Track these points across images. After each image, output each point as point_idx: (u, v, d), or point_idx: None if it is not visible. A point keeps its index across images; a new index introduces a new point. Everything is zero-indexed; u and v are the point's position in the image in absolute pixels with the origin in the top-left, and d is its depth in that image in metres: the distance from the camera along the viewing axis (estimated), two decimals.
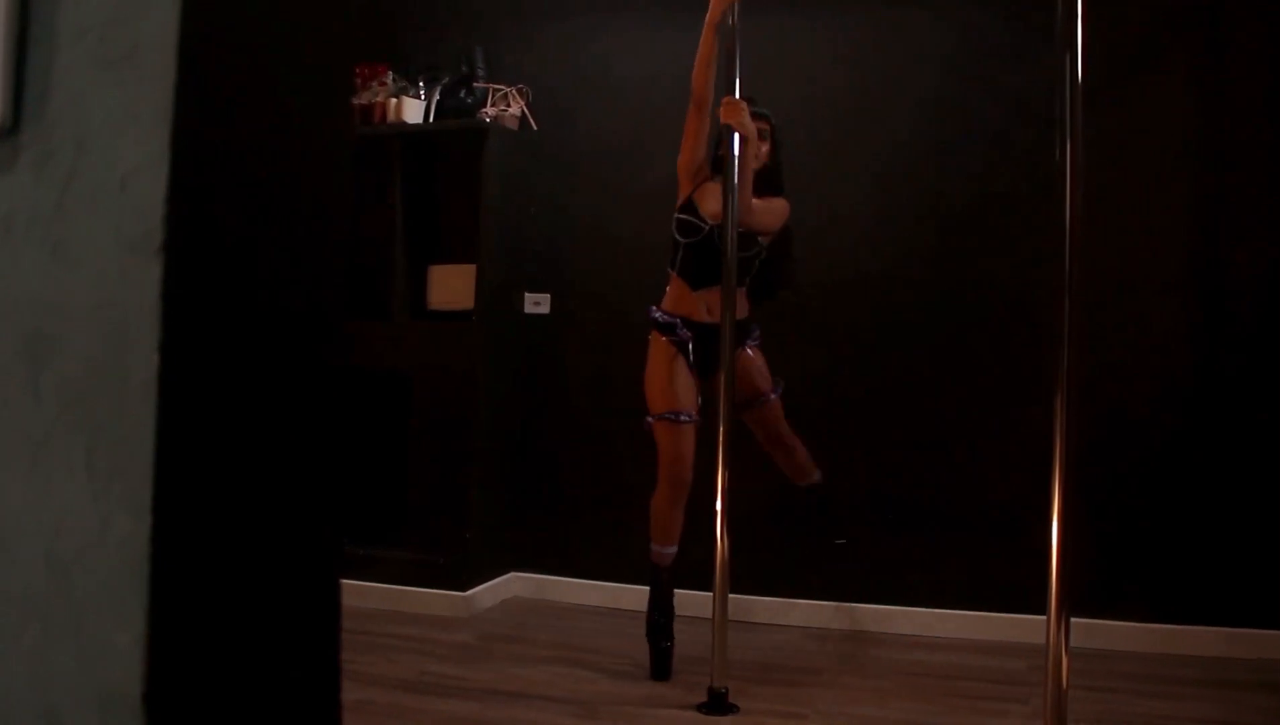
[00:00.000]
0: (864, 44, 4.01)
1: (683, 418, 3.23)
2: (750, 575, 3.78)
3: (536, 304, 4.38)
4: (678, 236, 3.26)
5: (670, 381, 3.26)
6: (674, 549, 3.31)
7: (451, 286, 4.25)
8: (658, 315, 3.33)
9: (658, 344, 3.31)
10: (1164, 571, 3.59)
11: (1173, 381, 3.63)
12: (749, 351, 3.35)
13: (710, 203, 3.19)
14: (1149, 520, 3.61)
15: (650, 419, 3.29)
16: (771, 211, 3.31)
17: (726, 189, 2.97)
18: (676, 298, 3.32)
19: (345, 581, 0.94)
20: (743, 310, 3.24)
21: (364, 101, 4.30)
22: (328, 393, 0.90)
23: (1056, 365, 2.24)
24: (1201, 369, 3.61)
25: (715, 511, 2.92)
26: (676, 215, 3.27)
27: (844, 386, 3.94)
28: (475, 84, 4.31)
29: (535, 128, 4.33)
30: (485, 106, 4.24)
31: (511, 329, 4.31)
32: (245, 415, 0.80)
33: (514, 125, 4.27)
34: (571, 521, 4.29)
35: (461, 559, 4.02)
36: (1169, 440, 3.62)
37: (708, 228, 3.18)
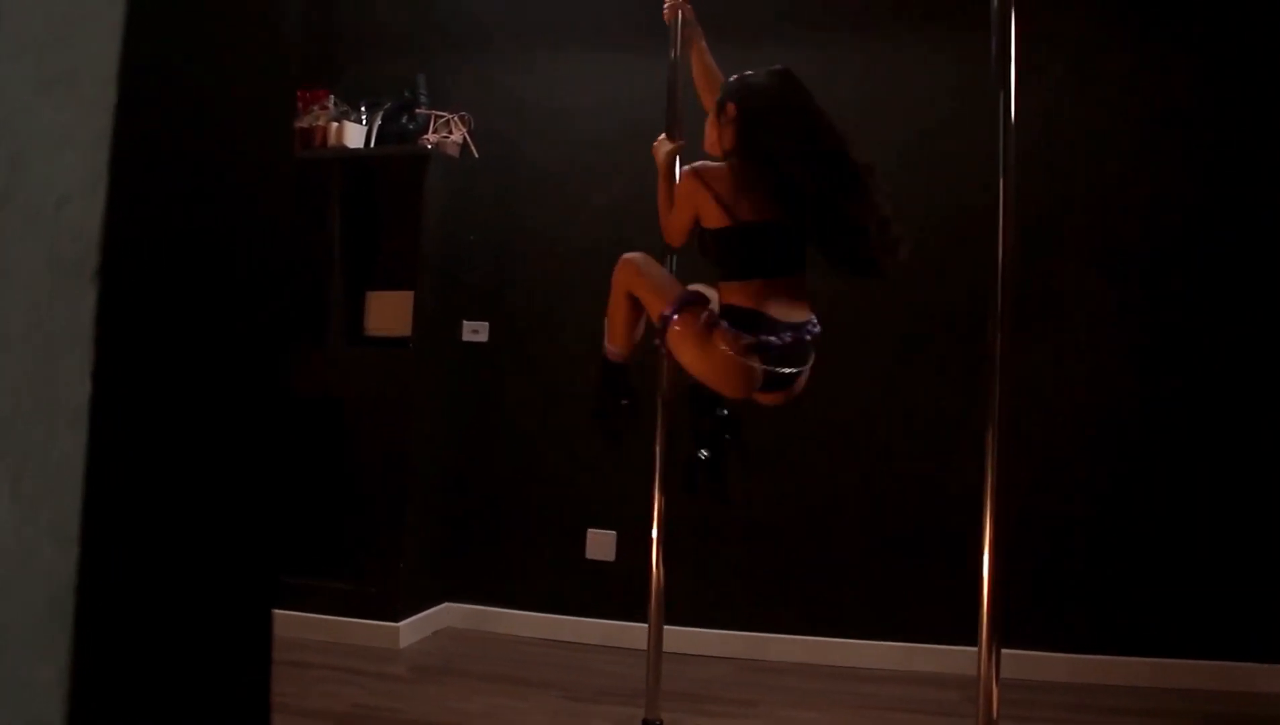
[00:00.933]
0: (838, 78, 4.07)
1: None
2: (686, 606, 3.79)
3: (475, 332, 4.36)
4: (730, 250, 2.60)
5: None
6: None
7: (389, 313, 4.22)
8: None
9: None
10: (1095, 603, 3.66)
11: (1105, 415, 3.71)
12: None
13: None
14: (1081, 552, 3.68)
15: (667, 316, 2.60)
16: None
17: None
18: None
19: (277, 612, 0.92)
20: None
21: (305, 125, 4.26)
22: (263, 420, 0.89)
23: (989, 398, 2.28)
24: (1133, 404, 3.69)
25: (651, 539, 2.91)
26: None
27: (785, 418, 3.97)
28: (417, 110, 4.30)
29: (476, 155, 4.33)
30: (427, 133, 4.23)
31: (449, 357, 4.29)
32: (178, 443, 0.79)
33: (455, 152, 4.26)
34: (507, 551, 4.26)
35: (394, 589, 3.97)
36: (1100, 473, 3.69)
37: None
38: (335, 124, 4.25)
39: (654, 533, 2.92)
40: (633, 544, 3.97)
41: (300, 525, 4.10)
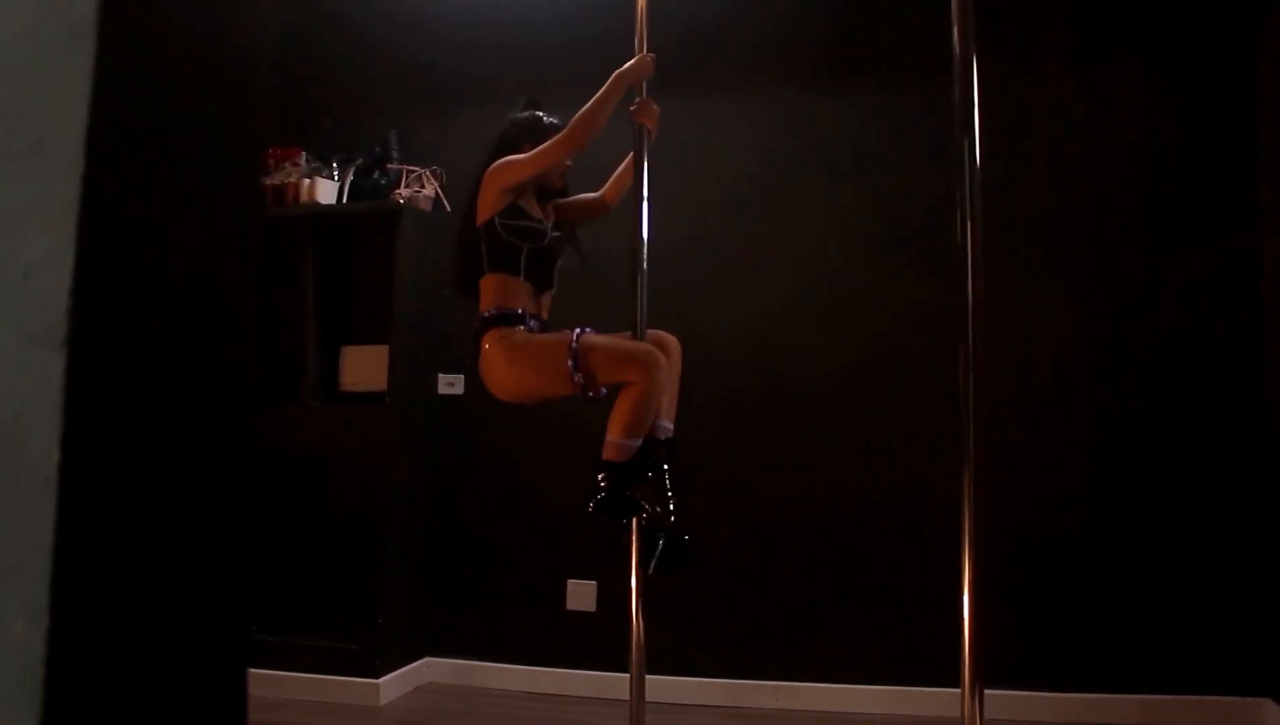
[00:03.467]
0: (782, 129, 4.12)
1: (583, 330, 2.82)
2: (668, 655, 3.76)
3: (450, 385, 4.36)
4: (518, 241, 2.89)
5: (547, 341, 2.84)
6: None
7: (364, 368, 4.21)
8: (495, 312, 2.88)
9: (514, 335, 2.84)
10: (1079, 640, 3.66)
11: (1085, 449, 3.73)
12: None
13: (537, 209, 3.02)
14: (1063, 588, 3.68)
15: (572, 346, 2.76)
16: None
17: (638, 193, 2.89)
18: (517, 297, 2.89)
19: (256, 671, 0.91)
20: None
21: (277, 182, 4.28)
22: (238, 483, 0.89)
23: (963, 440, 2.29)
24: (1109, 444, 3.71)
25: (631, 589, 2.89)
26: (507, 221, 2.90)
27: (762, 466, 3.97)
28: (389, 165, 4.32)
29: (449, 209, 4.35)
30: (399, 188, 4.25)
31: (425, 410, 4.28)
32: (151, 510, 0.78)
33: (427, 207, 4.28)
34: (488, 604, 4.23)
35: (374, 645, 3.93)
36: (1082, 506, 3.71)
37: (547, 232, 2.98)
38: (307, 181, 4.26)
39: (633, 582, 2.90)
40: (613, 594, 3.95)
41: (279, 582, 4.06)
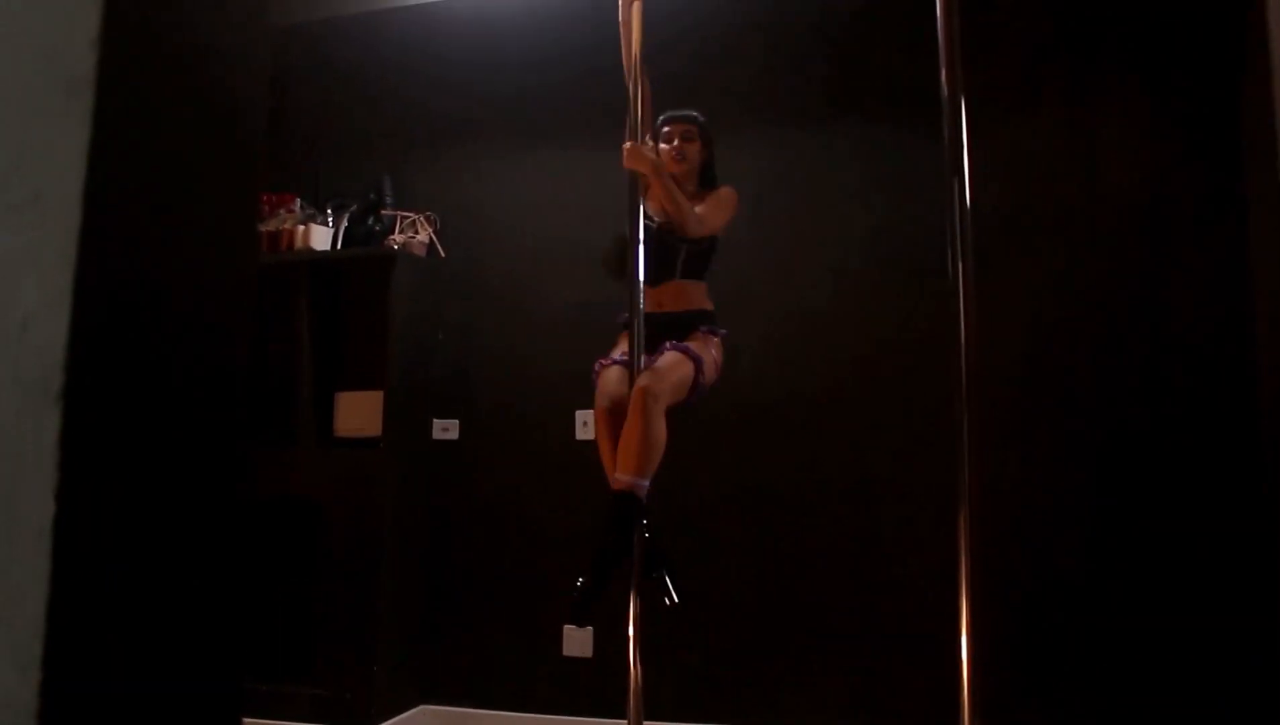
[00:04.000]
0: (775, 162, 4.15)
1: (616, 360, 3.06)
2: (666, 701, 3.73)
3: (445, 430, 4.35)
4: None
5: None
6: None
7: (359, 413, 4.20)
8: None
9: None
10: (1076, 678, 3.63)
11: (1078, 484, 3.72)
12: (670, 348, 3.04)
13: (651, 203, 3.14)
14: (1059, 626, 3.66)
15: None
16: (719, 206, 3.24)
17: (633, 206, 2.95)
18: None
19: (249, 720, 0.91)
20: (685, 301, 3.21)
21: (271, 229, 4.30)
22: (232, 532, 0.89)
23: (959, 480, 2.29)
24: (1106, 475, 3.71)
25: (628, 635, 2.87)
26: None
27: (756, 497, 3.96)
28: (383, 211, 4.34)
29: (443, 254, 4.37)
30: (393, 233, 4.27)
31: (420, 455, 4.27)
32: (142, 558, 0.78)
33: (422, 252, 4.30)
34: (483, 651, 4.20)
35: (368, 693, 3.89)
36: (1075, 543, 3.69)
37: (654, 225, 3.11)
38: (302, 227, 4.28)
39: (631, 628, 2.88)
40: (610, 639, 3.93)
41: (271, 629, 4.03)
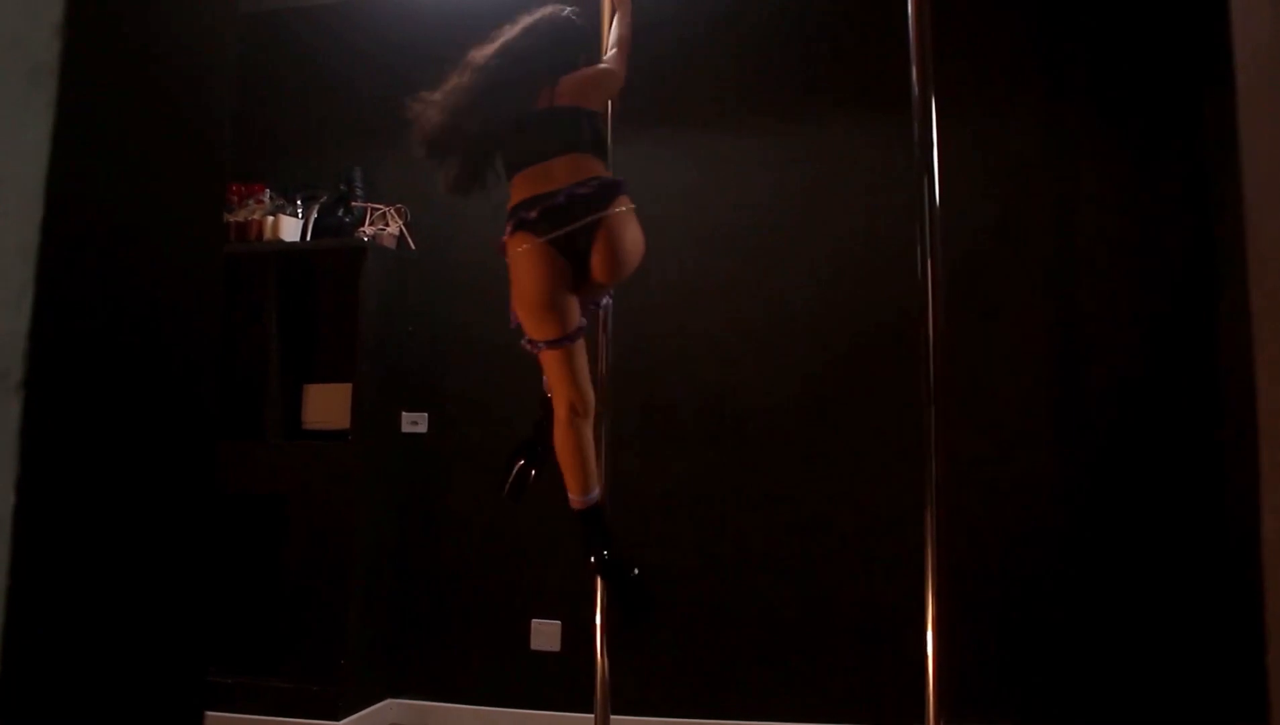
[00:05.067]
0: (747, 162, 4.16)
1: (576, 335, 2.70)
2: (632, 695, 3.74)
3: (414, 423, 4.34)
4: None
5: (549, 295, 2.64)
6: (598, 492, 2.74)
7: (328, 405, 4.18)
8: (614, 180, 2.75)
9: (519, 250, 2.66)
10: (1047, 674, 3.67)
11: (1048, 479, 3.76)
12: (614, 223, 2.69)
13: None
14: (1030, 622, 3.70)
15: (536, 345, 2.72)
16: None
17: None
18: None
19: (214, 714, 0.91)
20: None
21: (240, 219, 4.26)
22: (196, 524, 0.88)
23: (925, 476, 2.31)
24: (1075, 470, 3.75)
25: (595, 628, 2.87)
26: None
27: (723, 500, 3.98)
28: (353, 203, 4.32)
29: (413, 247, 4.35)
30: (363, 225, 4.25)
31: (389, 448, 4.26)
32: (107, 552, 0.78)
33: (392, 244, 4.28)
34: (451, 644, 4.19)
35: (336, 686, 3.87)
36: (1046, 540, 3.73)
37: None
38: (271, 218, 4.25)
39: (598, 621, 2.89)
40: (578, 633, 3.93)
41: (238, 622, 4.01)
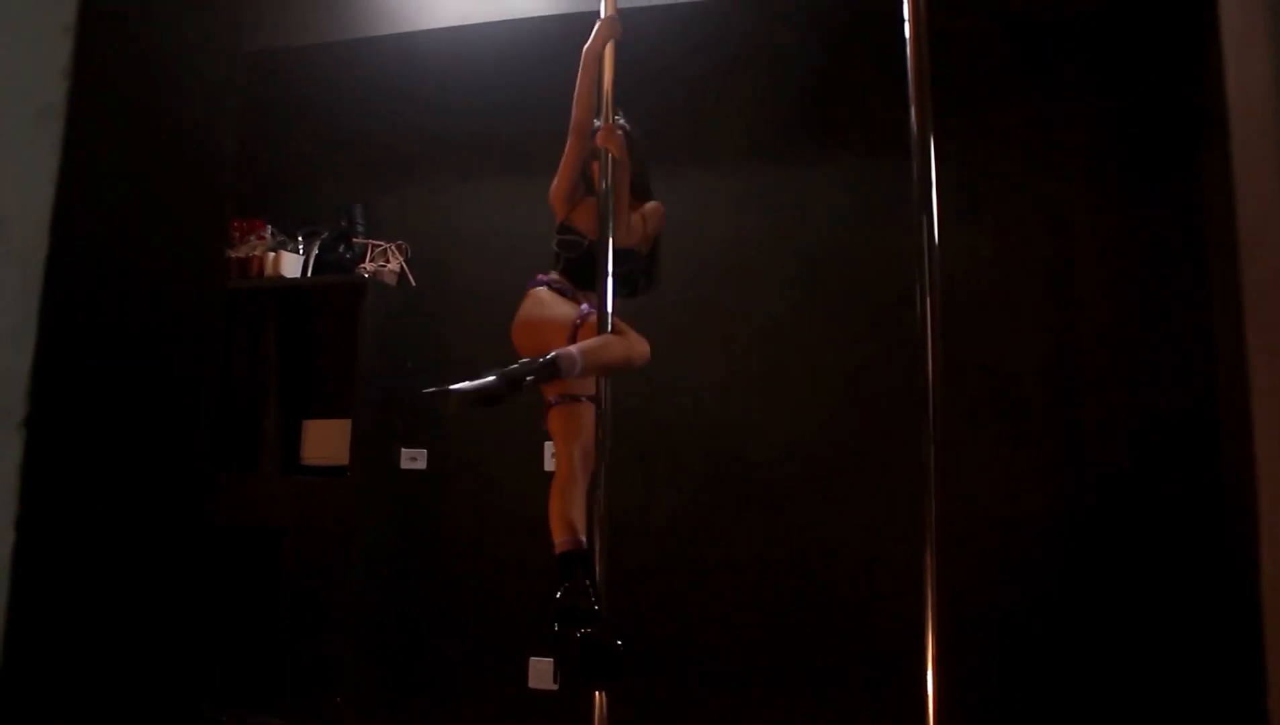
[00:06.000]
0: (748, 200, 4.18)
1: (583, 398, 2.95)
2: None
3: (413, 459, 4.33)
4: (560, 252, 3.14)
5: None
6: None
7: (326, 441, 4.18)
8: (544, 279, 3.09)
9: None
10: (1043, 693, 3.63)
11: (1039, 525, 3.75)
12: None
13: (587, 219, 3.09)
14: (1028, 664, 3.67)
15: (550, 401, 2.98)
16: (651, 220, 3.21)
17: (602, 211, 2.93)
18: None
19: None
20: None
21: (241, 255, 4.28)
22: (194, 562, 0.88)
23: (924, 512, 2.31)
24: (1064, 513, 3.74)
25: None
26: (558, 235, 3.15)
27: (720, 540, 3.96)
28: (354, 239, 4.33)
29: (414, 283, 4.36)
30: (364, 262, 4.26)
31: (387, 485, 4.24)
32: (105, 590, 0.78)
33: (392, 281, 4.29)
34: (448, 682, 4.16)
35: (332, 723, 3.84)
36: (1045, 582, 3.71)
37: (587, 242, 3.07)
38: (272, 254, 4.27)
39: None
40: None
41: (235, 657, 3.98)
